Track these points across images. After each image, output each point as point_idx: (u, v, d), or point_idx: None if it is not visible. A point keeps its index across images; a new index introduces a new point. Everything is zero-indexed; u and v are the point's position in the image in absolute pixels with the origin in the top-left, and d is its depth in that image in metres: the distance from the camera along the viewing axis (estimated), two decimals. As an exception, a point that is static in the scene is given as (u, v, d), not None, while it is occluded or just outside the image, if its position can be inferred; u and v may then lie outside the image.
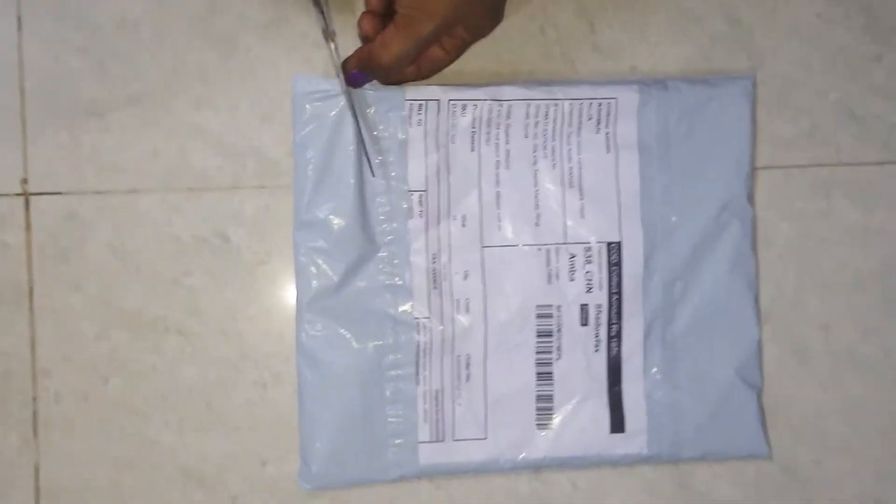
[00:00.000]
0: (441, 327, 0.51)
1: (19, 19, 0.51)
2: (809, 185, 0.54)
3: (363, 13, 0.48)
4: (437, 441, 0.51)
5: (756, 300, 0.53)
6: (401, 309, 0.51)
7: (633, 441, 0.52)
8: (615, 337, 0.52)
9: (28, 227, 0.51)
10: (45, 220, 0.51)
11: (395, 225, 0.51)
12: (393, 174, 0.51)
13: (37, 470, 0.51)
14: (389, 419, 0.51)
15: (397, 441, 0.51)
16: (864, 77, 0.55)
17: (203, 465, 0.52)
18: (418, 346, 0.51)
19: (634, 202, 0.52)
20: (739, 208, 0.52)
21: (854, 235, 0.55)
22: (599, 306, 0.51)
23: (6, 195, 0.51)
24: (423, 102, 0.50)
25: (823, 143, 0.54)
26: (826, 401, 0.54)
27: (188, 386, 0.52)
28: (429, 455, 0.51)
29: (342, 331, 0.50)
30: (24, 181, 0.51)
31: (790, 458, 0.54)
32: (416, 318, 0.51)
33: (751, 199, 0.53)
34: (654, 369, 0.52)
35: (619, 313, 0.52)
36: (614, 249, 0.51)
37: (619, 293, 0.51)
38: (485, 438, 0.51)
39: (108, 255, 0.51)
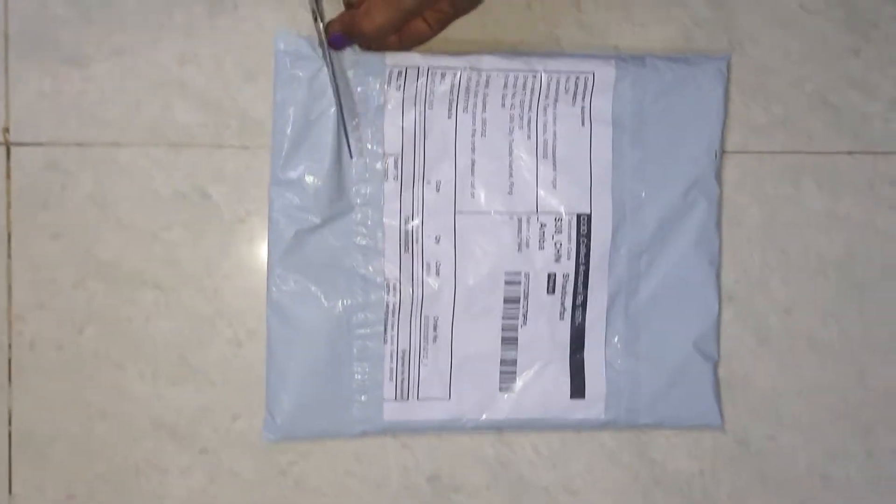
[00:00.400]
0: (410, 289, 0.52)
1: (5, -36, 0.51)
2: (780, 170, 0.56)
3: None
4: (402, 399, 0.52)
5: (717, 277, 0.54)
6: (371, 269, 0.52)
7: (592, 407, 0.53)
8: (580, 306, 0.53)
9: (8, 175, 0.51)
10: (25, 169, 0.51)
11: (369, 187, 0.51)
12: (370, 137, 0.51)
13: (10, 414, 0.52)
14: (356, 376, 0.52)
15: (363, 397, 0.52)
16: (841, 68, 0.56)
17: (175, 417, 0.53)
18: (387, 306, 0.52)
19: (606, 176, 0.53)
20: (707, 187, 0.53)
21: (820, 221, 0.56)
22: (566, 276, 0.53)
23: (-13, 142, 0.51)
24: (403, 69, 0.51)
25: (796, 130, 0.56)
26: (783, 380, 0.56)
27: (163, 339, 0.52)
28: (393, 412, 0.52)
29: (312, 287, 0.51)
30: (6, 130, 0.51)
31: (745, 433, 0.56)
32: (387, 279, 0.52)
33: (718, 178, 0.54)
34: (616, 338, 0.53)
35: (585, 283, 0.53)
36: (584, 221, 0.53)
37: (587, 264, 0.53)
38: (448, 399, 0.53)
39: (88, 205, 0.52)
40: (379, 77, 0.51)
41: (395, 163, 0.51)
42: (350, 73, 0.51)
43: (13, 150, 0.51)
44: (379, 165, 0.51)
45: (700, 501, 0.56)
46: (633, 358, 0.53)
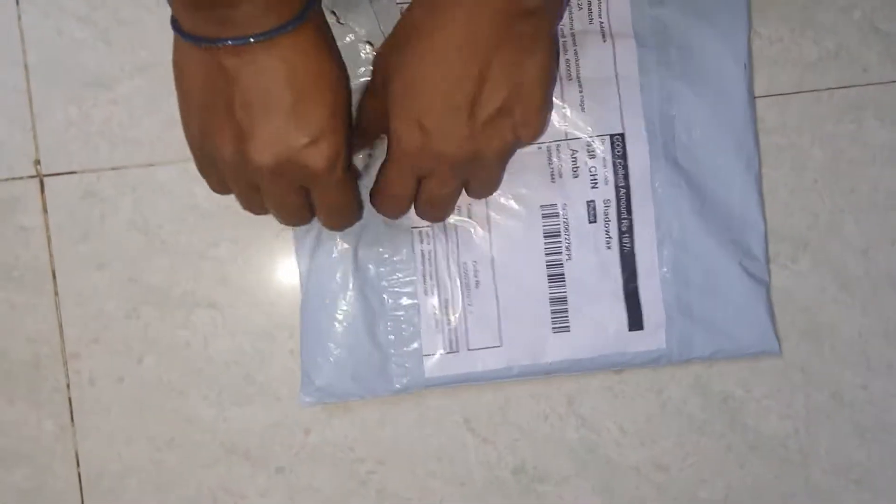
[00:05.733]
0: (444, 236, 0.50)
1: (16, -7, 0.49)
2: (838, 107, 0.53)
3: None
4: (451, 352, 0.50)
5: (759, 191, 0.52)
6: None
7: (652, 337, 0.51)
8: (626, 232, 0.50)
9: (44, 209, 0.50)
10: (61, 201, 0.50)
11: None
12: None
13: (77, 456, 0.50)
14: (390, 332, 0.49)
15: (401, 353, 0.49)
16: (888, -9, 0.53)
17: (245, 438, 0.51)
18: (422, 255, 0.49)
19: (635, 93, 0.50)
20: (739, 98, 0.51)
21: (885, 155, 0.53)
22: (607, 202, 0.50)
23: (20, 178, 0.49)
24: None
25: (850, 62, 0.53)
26: (869, 324, 0.54)
27: (224, 359, 0.50)
28: (437, 367, 0.50)
29: (344, 244, 0.49)
30: (37, 162, 0.50)
31: (837, 384, 0.53)
32: (416, 227, 0.49)
33: (750, 89, 0.51)
34: (664, 268, 0.51)
35: (628, 208, 0.50)
36: (618, 142, 0.50)
37: (627, 187, 0.50)
38: (500, 346, 0.50)
39: (131, 231, 0.50)
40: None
41: None
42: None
43: (46, 181, 0.50)
44: None
45: (798, 462, 0.53)
46: (683, 285, 0.51)
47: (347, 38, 0.48)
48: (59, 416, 0.50)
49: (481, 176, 0.45)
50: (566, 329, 0.50)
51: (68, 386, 0.50)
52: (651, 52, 0.50)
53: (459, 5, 0.40)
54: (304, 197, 0.43)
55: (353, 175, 0.44)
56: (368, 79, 0.47)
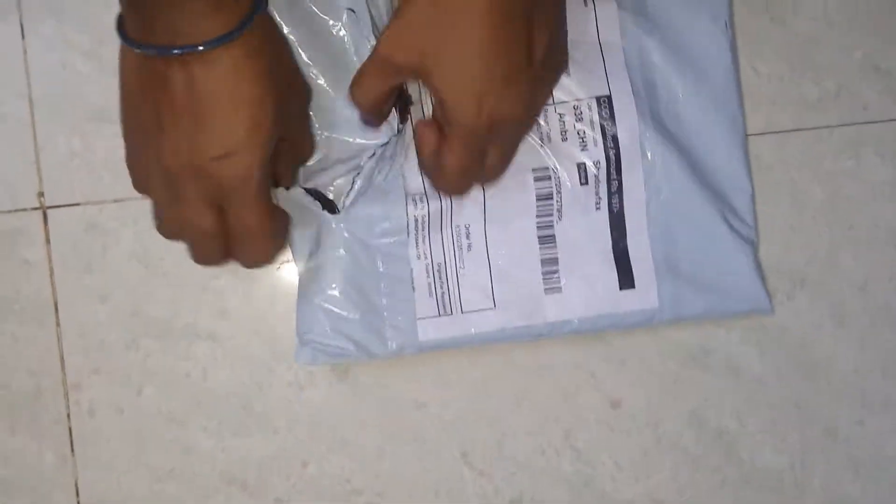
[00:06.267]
0: (437, 200, 0.50)
1: (22, 26, 0.50)
2: (838, 144, 0.54)
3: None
4: (444, 314, 0.50)
5: (744, 149, 0.52)
6: (392, 181, 0.49)
7: (645, 295, 0.51)
8: (615, 192, 0.50)
9: (48, 240, 0.50)
10: (64, 233, 0.50)
11: None
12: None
13: (76, 487, 0.51)
14: (383, 296, 0.50)
15: (396, 316, 0.50)
16: (889, 31, 0.53)
17: (244, 469, 0.51)
18: (415, 220, 0.50)
19: (618, 55, 0.50)
20: (721, 58, 0.51)
21: (885, 192, 0.54)
22: (598, 163, 0.50)
23: (23, 210, 0.50)
24: None
25: (850, 101, 0.53)
26: (865, 360, 0.54)
27: (223, 390, 0.51)
28: (430, 331, 0.50)
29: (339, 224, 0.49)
30: (41, 194, 0.50)
31: (833, 420, 0.54)
32: (410, 193, 0.50)
33: (733, 48, 0.51)
34: (653, 227, 0.51)
35: (618, 168, 0.50)
36: (605, 103, 0.50)
37: (616, 148, 0.50)
38: (493, 308, 0.50)
39: (132, 263, 0.50)
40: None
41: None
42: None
43: (50, 213, 0.50)
44: None
45: (793, 497, 0.54)
46: (671, 244, 0.51)
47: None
48: (59, 447, 0.50)
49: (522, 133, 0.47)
50: (558, 289, 0.50)
51: (69, 416, 0.50)
52: (628, 14, 0.50)
53: None
54: (218, 220, 0.42)
55: (268, 197, 0.43)
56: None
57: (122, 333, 0.50)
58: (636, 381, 0.53)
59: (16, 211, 0.50)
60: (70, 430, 0.50)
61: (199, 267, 0.50)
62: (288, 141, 0.44)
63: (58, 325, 0.50)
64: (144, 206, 0.50)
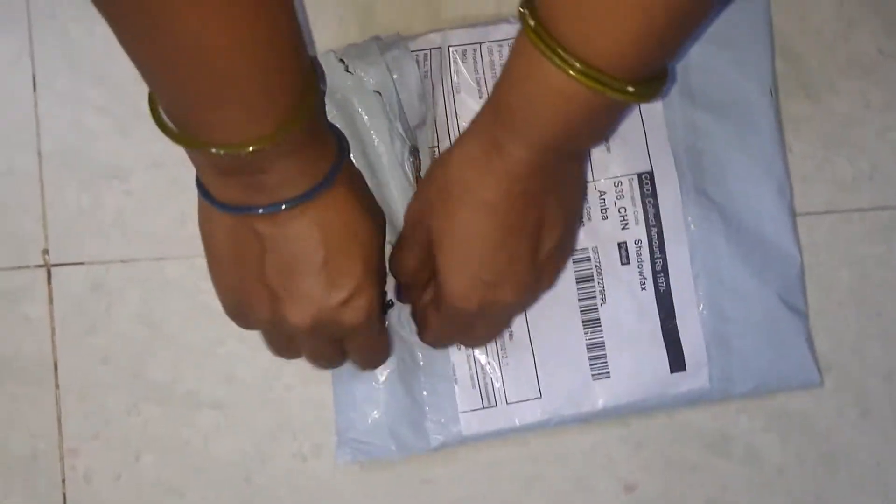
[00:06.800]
0: None
1: (34, 79, 0.48)
2: (869, 228, 0.52)
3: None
4: (488, 406, 0.48)
5: (792, 218, 0.50)
6: None
7: (696, 376, 0.49)
8: (661, 271, 0.49)
9: (50, 299, 0.48)
10: (68, 292, 0.48)
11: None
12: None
13: (69, 555, 0.49)
14: (424, 389, 0.48)
15: (440, 409, 0.48)
16: (926, 114, 0.52)
17: (243, 542, 0.49)
18: None
19: (660, 129, 0.49)
20: (767, 126, 0.50)
21: (915, 279, 0.52)
22: (639, 242, 0.49)
23: (27, 267, 0.48)
24: (429, 51, 0.48)
25: (884, 183, 0.52)
26: (889, 453, 0.52)
27: (224, 460, 0.49)
28: (474, 424, 0.48)
29: None
30: (45, 252, 0.48)
31: (853, 514, 0.52)
32: None
33: (777, 116, 0.50)
34: (701, 305, 0.49)
35: (661, 246, 0.49)
36: (646, 180, 0.49)
37: (659, 225, 0.49)
38: (539, 398, 0.48)
39: (137, 325, 0.49)
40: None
41: (433, 155, 0.48)
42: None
43: (54, 271, 0.49)
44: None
45: (809, 591, 0.52)
46: (720, 320, 0.49)
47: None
48: (53, 514, 0.49)
49: (514, 314, 0.47)
50: (606, 375, 0.49)
51: (64, 481, 0.49)
52: (672, 83, 0.49)
53: (504, 157, 0.39)
54: (339, 346, 0.43)
55: (384, 317, 0.45)
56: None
57: (123, 397, 0.49)
58: (652, 465, 0.51)
59: (20, 268, 0.48)
60: (64, 496, 0.49)
61: (203, 332, 0.49)
62: None
63: (57, 386, 0.49)
64: (152, 267, 0.49)
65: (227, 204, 0.38)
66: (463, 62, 0.48)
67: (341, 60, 0.46)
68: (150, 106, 0.37)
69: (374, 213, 0.42)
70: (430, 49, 0.48)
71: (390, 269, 0.45)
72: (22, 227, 0.48)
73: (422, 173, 0.47)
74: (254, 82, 0.33)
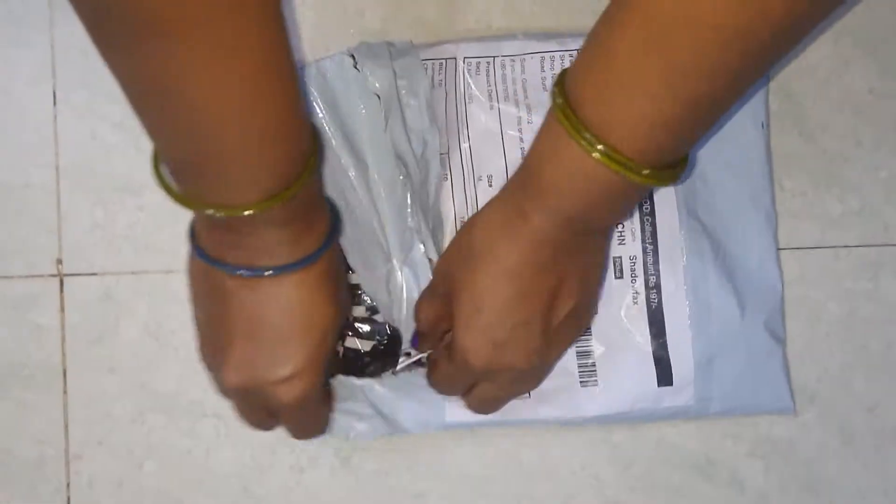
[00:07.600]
0: None
1: (54, 94, 0.50)
2: (857, 264, 0.53)
3: None
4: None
5: (776, 248, 0.52)
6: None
7: (681, 393, 0.50)
8: (654, 288, 0.50)
9: (62, 308, 0.50)
10: (79, 301, 0.50)
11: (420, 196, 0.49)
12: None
13: (70, 558, 0.50)
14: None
15: (429, 395, 0.49)
16: (916, 155, 0.54)
17: (239, 551, 0.51)
18: None
19: None
20: (758, 155, 0.51)
21: (901, 315, 0.54)
22: (633, 258, 0.50)
23: (40, 276, 0.50)
24: (443, 61, 0.49)
25: (872, 221, 0.53)
26: (869, 481, 0.54)
27: (224, 470, 0.50)
28: (463, 412, 0.49)
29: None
30: (59, 262, 0.50)
31: (834, 542, 0.53)
32: None
33: (768, 148, 0.52)
34: (688, 322, 0.50)
35: (656, 264, 0.50)
36: (646, 199, 0.50)
37: (654, 243, 0.50)
38: (528, 397, 0.49)
39: (144, 336, 0.50)
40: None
41: (444, 162, 0.49)
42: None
43: (66, 281, 0.50)
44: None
45: None
46: (705, 341, 0.50)
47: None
48: (56, 517, 0.50)
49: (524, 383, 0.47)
50: (594, 384, 0.50)
51: (68, 486, 0.50)
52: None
53: (528, 225, 0.40)
54: (275, 420, 0.44)
55: (322, 399, 0.45)
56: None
57: (129, 406, 0.50)
58: (639, 486, 0.52)
59: (33, 276, 0.50)
60: (68, 500, 0.50)
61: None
62: None
63: (65, 392, 0.50)
64: (161, 280, 0.50)
65: (210, 257, 0.39)
66: (476, 74, 0.49)
67: (351, 56, 0.48)
68: (153, 164, 0.38)
69: (340, 299, 0.42)
70: (445, 59, 0.50)
71: (414, 314, 0.46)
72: (37, 238, 0.50)
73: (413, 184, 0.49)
74: (259, 150, 0.34)
